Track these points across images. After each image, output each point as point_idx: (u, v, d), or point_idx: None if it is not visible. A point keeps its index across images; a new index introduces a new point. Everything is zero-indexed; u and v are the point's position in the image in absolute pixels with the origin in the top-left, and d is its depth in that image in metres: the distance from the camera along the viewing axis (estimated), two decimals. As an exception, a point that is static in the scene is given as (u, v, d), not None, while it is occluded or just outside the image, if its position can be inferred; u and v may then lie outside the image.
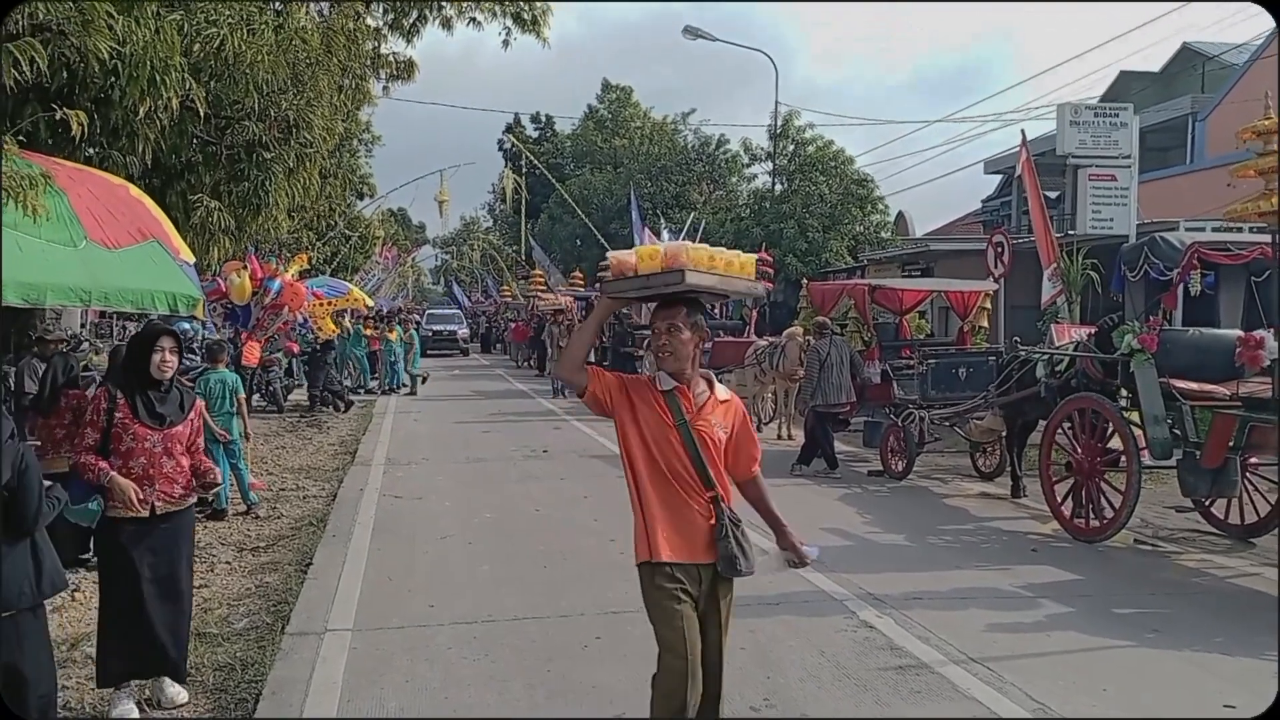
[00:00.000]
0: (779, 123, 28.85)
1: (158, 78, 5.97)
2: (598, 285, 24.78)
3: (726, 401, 3.64)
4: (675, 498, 3.49)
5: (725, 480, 3.57)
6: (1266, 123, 6.83)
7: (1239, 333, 7.74)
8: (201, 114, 7.06)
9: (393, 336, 22.21)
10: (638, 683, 4.93)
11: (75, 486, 4.52)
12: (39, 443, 6.94)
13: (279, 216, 8.47)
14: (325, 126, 8.38)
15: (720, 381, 3.70)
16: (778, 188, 28.94)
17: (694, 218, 25.76)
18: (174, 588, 4.64)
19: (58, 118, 5.02)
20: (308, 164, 8.21)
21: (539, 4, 11.35)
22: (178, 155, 7.89)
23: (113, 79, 5.97)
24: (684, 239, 4.70)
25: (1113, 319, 8.67)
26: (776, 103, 29.83)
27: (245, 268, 12.39)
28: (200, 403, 4.94)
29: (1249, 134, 7.05)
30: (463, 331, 39.48)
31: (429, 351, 33.85)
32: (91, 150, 7.15)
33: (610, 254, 3.67)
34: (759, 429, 15.07)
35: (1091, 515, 8.05)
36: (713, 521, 3.48)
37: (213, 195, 7.95)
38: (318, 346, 17.23)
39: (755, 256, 3.73)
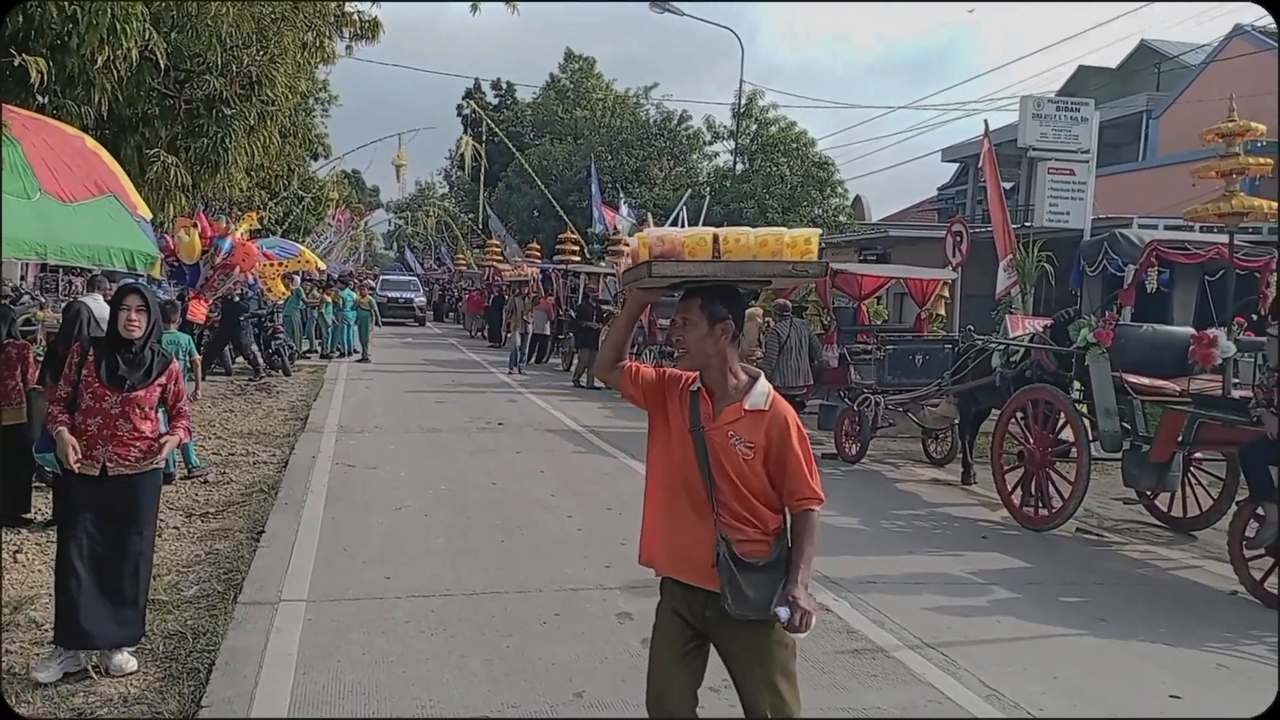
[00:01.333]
0: (743, 101, 28.81)
1: (118, 26, 5.75)
2: (555, 259, 24.48)
3: (760, 412, 3.07)
4: (681, 510, 3.11)
5: (746, 504, 3.05)
6: (1230, 125, 6.95)
7: (1192, 330, 7.92)
8: (161, 65, 6.83)
9: (363, 300, 21.94)
10: (596, 660, 4.96)
11: (44, 435, 4.72)
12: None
13: (237, 175, 8.26)
14: (288, 84, 8.18)
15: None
16: (739, 167, 28.94)
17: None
18: (122, 550, 4.57)
19: (16, 64, 4.81)
20: (269, 122, 8.02)
21: (510, -31, 11.12)
22: (134, 107, 7.65)
23: (70, 25, 5.74)
24: (676, 221, 4.47)
25: (1068, 312, 8.84)
26: (741, 81, 29.77)
27: (195, 225, 12.06)
28: (175, 367, 4.77)
29: (1212, 135, 7.18)
30: (419, 299, 38.51)
31: (383, 319, 33.29)
32: (44, 99, 6.88)
33: (650, 232, 3.25)
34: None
35: (1040, 504, 8.21)
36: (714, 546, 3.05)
37: (169, 150, 7.72)
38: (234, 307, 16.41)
39: (814, 232, 3.20)
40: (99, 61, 6.06)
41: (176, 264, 12.55)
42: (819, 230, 3.42)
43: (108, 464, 4.52)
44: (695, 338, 3.12)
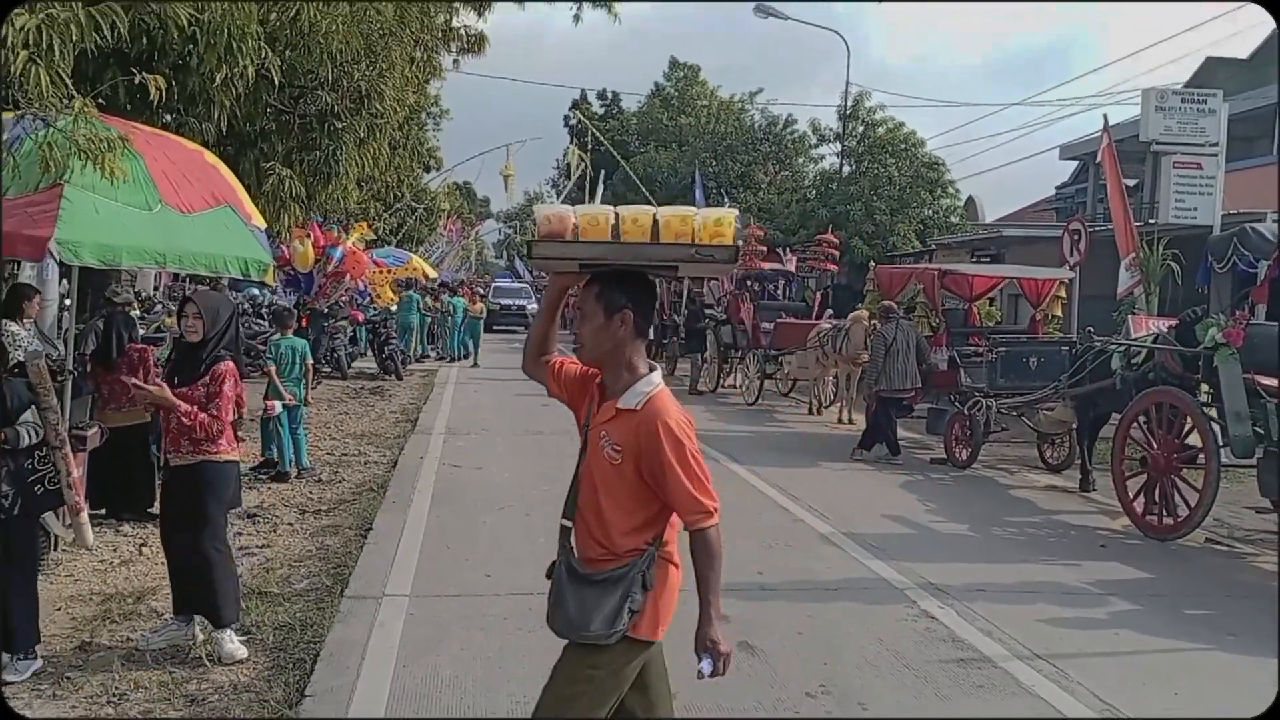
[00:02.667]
0: (849, 103, 28.38)
1: (234, 45, 6.03)
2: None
3: (630, 412, 2.72)
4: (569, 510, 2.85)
5: (598, 516, 2.75)
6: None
7: (1330, 329, 7.40)
8: (276, 82, 7.13)
9: (476, 308, 22.35)
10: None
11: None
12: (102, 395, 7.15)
13: (348, 186, 8.56)
14: (396, 98, 8.43)
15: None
16: (845, 169, 28.50)
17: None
18: (186, 535, 4.86)
19: (136, 82, 5.09)
20: (378, 134, 8.28)
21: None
22: (252, 123, 8.00)
23: (191, 45, 6.05)
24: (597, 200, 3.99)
25: (1195, 312, 8.37)
26: (847, 83, 29.46)
27: (309, 235, 12.55)
28: (220, 368, 4.84)
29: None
30: (532, 306, 36.88)
31: (494, 327, 33.76)
32: (169, 116, 7.27)
33: (539, 209, 2.97)
34: (819, 412, 15.00)
35: (1165, 512, 7.80)
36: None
37: (285, 163, 8.05)
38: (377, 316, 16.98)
39: (729, 214, 2.86)
40: (218, 80, 6.35)
41: (292, 272, 13.08)
42: (734, 211, 3.10)
43: (169, 455, 4.90)
44: (590, 330, 2.81)
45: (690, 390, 17.38)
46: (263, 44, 6.62)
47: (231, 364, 4.93)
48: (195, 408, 4.73)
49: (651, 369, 2.85)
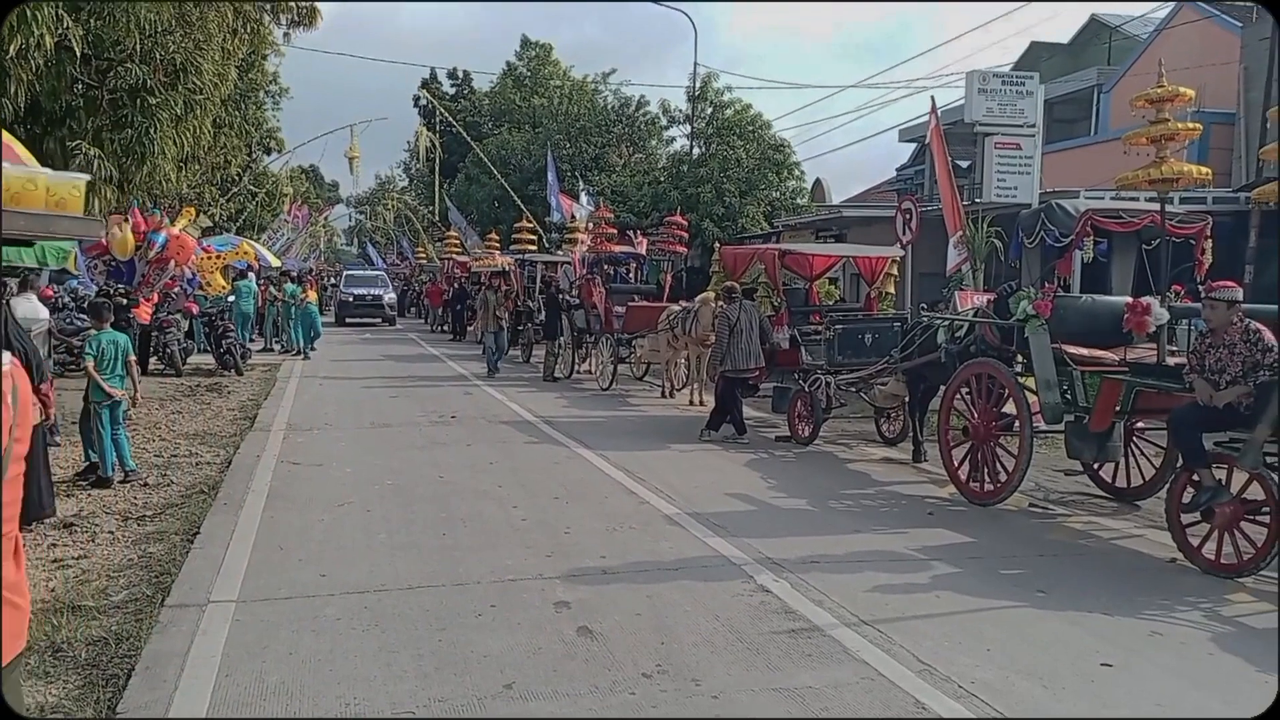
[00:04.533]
0: (697, 85, 28.72)
1: (28, 12, 5.57)
2: (511, 249, 23.89)
3: None
4: None
5: None
6: (1158, 90, 6.96)
7: (1128, 299, 7.94)
8: (79, 54, 6.65)
9: (311, 297, 21.43)
10: (529, 651, 4.90)
11: None
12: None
13: (166, 167, 8.07)
14: (216, 71, 8.00)
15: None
16: (695, 151, 28.87)
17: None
18: None
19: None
20: (197, 111, 7.83)
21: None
22: (56, 99, 7.45)
23: (-28, 16, 5.55)
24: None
25: (1010, 286, 8.84)
26: (695, 64, 29.78)
27: (127, 220, 11.80)
28: None
29: (1142, 102, 7.19)
30: (389, 296, 34.38)
31: (348, 320, 32.41)
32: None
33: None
34: (671, 395, 15.17)
35: (986, 479, 8.24)
36: None
37: (94, 143, 7.54)
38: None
39: (75, 180, 2.53)
40: (11, 50, 5.87)
41: (114, 262, 12.27)
42: (84, 178, 2.86)
43: None
44: None
45: (545, 377, 17.26)
46: (62, 11, 6.15)
47: None
48: None
49: None
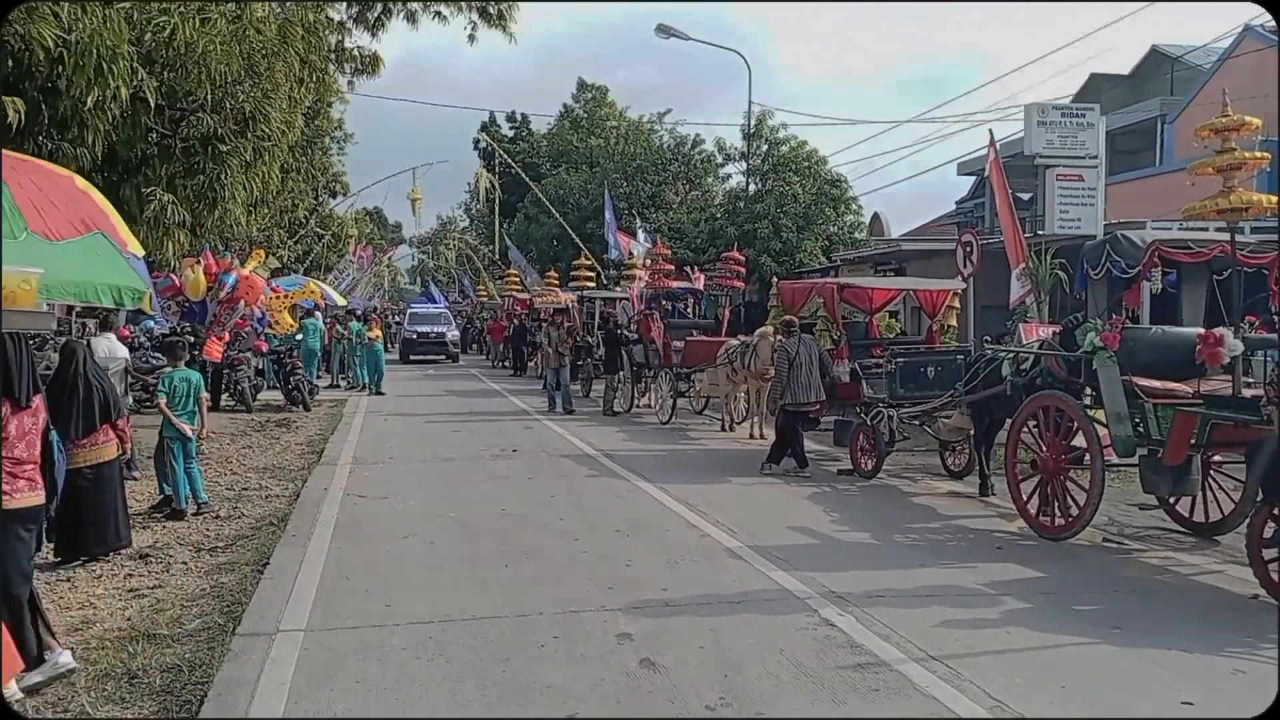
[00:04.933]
0: (752, 123, 28.88)
1: (105, 66, 5.84)
2: (570, 285, 24.05)
3: None
4: None
5: None
6: (1223, 120, 6.83)
7: (1200, 330, 7.75)
8: (153, 105, 6.94)
9: (376, 335, 21.78)
10: (592, 683, 4.89)
11: None
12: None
13: (236, 211, 8.33)
14: (284, 119, 8.27)
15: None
16: (752, 187, 28.96)
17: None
18: None
19: (-5, 104, 4.90)
20: (266, 157, 8.09)
21: (505, 1, 11.27)
22: (132, 148, 7.76)
23: (59, 68, 5.83)
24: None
25: (1077, 318, 8.68)
26: (750, 102, 29.94)
27: (199, 263, 12.20)
28: None
29: (1207, 132, 7.06)
30: (452, 334, 33.61)
31: (412, 357, 32.77)
32: (45, 142, 7.00)
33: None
34: (731, 428, 15.12)
35: (1057, 513, 8.05)
36: None
37: (167, 189, 7.83)
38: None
39: (25, 274, 2.80)
40: (89, 102, 6.14)
41: (187, 303, 12.67)
42: (37, 271, 3.06)
43: None
44: None
45: (605, 411, 17.33)
46: (137, 65, 6.44)
47: None
48: None
49: None
